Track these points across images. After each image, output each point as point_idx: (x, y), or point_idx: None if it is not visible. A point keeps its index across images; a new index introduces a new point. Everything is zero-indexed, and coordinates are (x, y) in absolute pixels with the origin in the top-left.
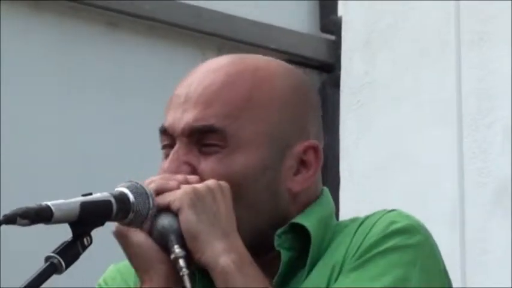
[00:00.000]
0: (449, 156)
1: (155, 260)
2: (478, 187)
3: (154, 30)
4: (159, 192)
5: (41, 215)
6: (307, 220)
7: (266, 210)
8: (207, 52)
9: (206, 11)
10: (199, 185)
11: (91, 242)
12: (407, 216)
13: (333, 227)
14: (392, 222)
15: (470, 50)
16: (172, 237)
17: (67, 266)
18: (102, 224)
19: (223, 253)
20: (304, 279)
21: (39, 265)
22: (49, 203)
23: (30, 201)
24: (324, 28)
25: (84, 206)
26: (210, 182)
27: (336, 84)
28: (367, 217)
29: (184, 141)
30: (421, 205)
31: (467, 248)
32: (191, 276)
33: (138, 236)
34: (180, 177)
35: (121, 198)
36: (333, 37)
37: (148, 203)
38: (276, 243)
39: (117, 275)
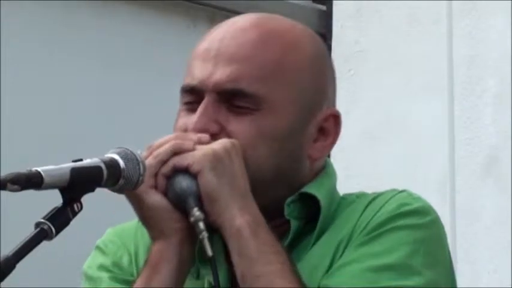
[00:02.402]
0: (440, 125)
1: (171, 220)
2: (468, 156)
3: (145, 0)
4: (177, 152)
5: (32, 181)
6: (317, 190)
7: (289, 174)
8: (197, 22)
9: None
10: (216, 146)
11: (81, 208)
12: (419, 198)
13: (337, 198)
14: (404, 204)
15: (462, 19)
16: (191, 200)
17: (57, 232)
18: (92, 190)
19: (239, 215)
20: (309, 250)
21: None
22: (39, 169)
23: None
24: None
25: (74, 171)
26: (226, 142)
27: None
28: (377, 195)
29: (214, 98)
30: (412, 174)
31: (457, 216)
32: (210, 238)
33: (154, 197)
34: (193, 136)
35: (111, 164)
36: (324, 7)
37: (139, 169)
38: (286, 211)
39: (116, 239)
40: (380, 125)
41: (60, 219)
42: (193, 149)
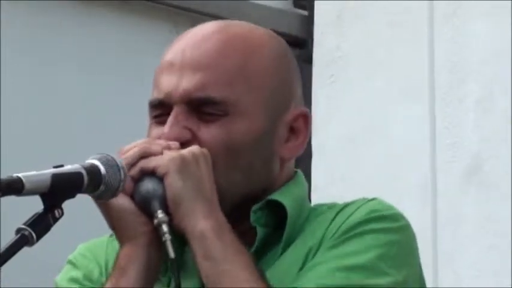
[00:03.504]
0: (422, 131)
1: (138, 223)
2: (450, 161)
3: (126, 4)
4: (144, 156)
5: (12, 187)
6: (285, 198)
7: (259, 176)
8: (179, 27)
9: None
10: (184, 151)
11: (62, 214)
12: (390, 206)
13: (307, 209)
14: (374, 210)
15: (443, 24)
16: (156, 202)
17: (38, 238)
18: (73, 196)
19: (203, 219)
20: (278, 258)
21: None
22: (20, 175)
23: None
24: (297, 3)
25: (55, 177)
26: (194, 149)
27: (308, 59)
28: (346, 204)
29: (183, 108)
30: (393, 179)
31: (439, 222)
32: (173, 241)
33: (121, 200)
34: (162, 142)
35: (92, 170)
36: (305, 12)
37: (120, 175)
38: (252, 218)
39: (87, 253)
40: (361, 130)
41: (41, 225)
42: (161, 153)
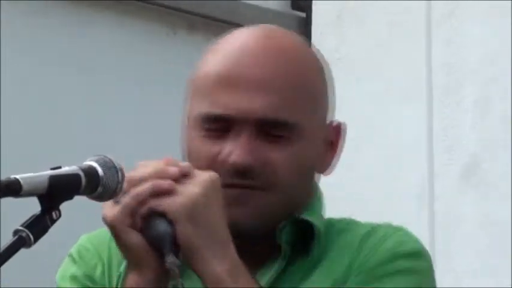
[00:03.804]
0: (419, 132)
1: (149, 260)
2: (448, 163)
3: (123, 7)
4: (155, 194)
5: (10, 188)
6: (314, 218)
7: (300, 196)
8: (177, 29)
9: None
10: (194, 191)
11: (60, 216)
12: (416, 240)
13: (325, 222)
14: (402, 243)
15: (441, 25)
16: (167, 245)
17: (35, 240)
18: (71, 197)
19: (218, 264)
20: (303, 281)
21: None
22: (17, 176)
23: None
24: (295, 5)
25: (52, 179)
26: (205, 182)
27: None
28: (371, 229)
29: (252, 129)
30: (391, 181)
31: (436, 224)
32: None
33: (132, 237)
34: (173, 171)
35: (90, 171)
36: (303, 14)
37: (117, 176)
38: (281, 238)
39: (90, 246)
40: (359, 132)
41: (38, 226)
42: (172, 190)
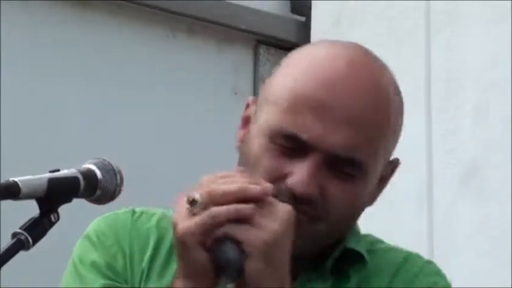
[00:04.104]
0: (418, 138)
1: (205, 277)
2: (447, 168)
3: (123, 10)
4: (234, 217)
5: (9, 191)
6: (360, 246)
7: (348, 227)
8: (176, 32)
9: None
10: (274, 228)
11: (58, 219)
12: (445, 276)
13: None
14: (435, 282)
15: (440, 30)
16: (233, 273)
17: (34, 243)
18: (69, 200)
19: None
20: None
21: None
22: (16, 179)
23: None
24: (294, 9)
25: (51, 182)
26: (285, 218)
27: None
28: (405, 260)
29: (323, 159)
30: (390, 185)
31: (435, 229)
32: None
33: (199, 255)
34: (256, 191)
35: (88, 174)
36: (303, 18)
37: (116, 179)
38: (328, 268)
39: (109, 232)
40: None
41: (37, 229)
42: (252, 218)
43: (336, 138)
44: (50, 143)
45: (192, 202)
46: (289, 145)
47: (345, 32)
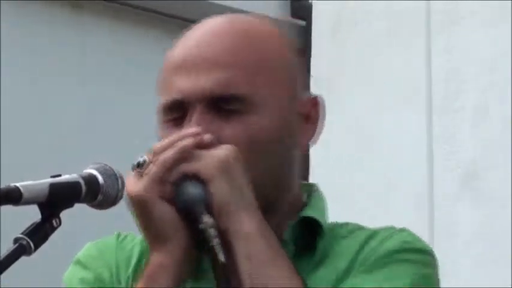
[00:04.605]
0: (418, 140)
1: (177, 235)
2: (447, 170)
3: (120, 13)
4: (183, 158)
5: (10, 196)
6: (319, 215)
7: (284, 170)
8: (174, 36)
9: None
10: (223, 153)
11: (60, 224)
12: (419, 238)
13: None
14: (407, 242)
15: (440, 32)
16: (201, 206)
17: (36, 248)
18: (71, 205)
19: (247, 221)
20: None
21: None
22: (18, 184)
23: None
24: (295, 13)
25: (53, 187)
26: (230, 149)
27: (306, 69)
28: (373, 232)
29: (203, 108)
30: (390, 188)
31: (435, 231)
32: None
33: (163, 208)
34: (191, 139)
35: (90, 179)
36: (303, 22)
37: (118, 184)
38: (287, 236)
39: (97, 254)
40: (358, 138)
41: (39, 234)
42: (199, 154)
43: (206, 84)
44: (49, 143)
45: (139, 165)
46: (176, 115)
47: (345, 36)
